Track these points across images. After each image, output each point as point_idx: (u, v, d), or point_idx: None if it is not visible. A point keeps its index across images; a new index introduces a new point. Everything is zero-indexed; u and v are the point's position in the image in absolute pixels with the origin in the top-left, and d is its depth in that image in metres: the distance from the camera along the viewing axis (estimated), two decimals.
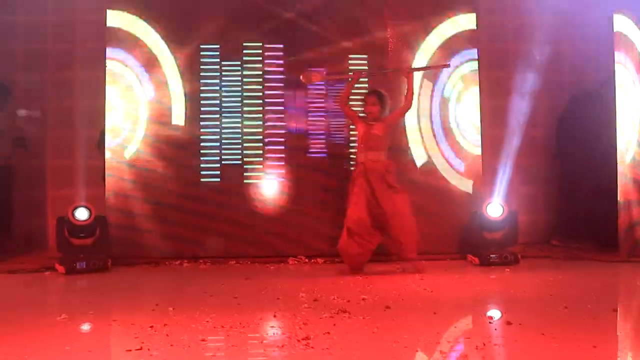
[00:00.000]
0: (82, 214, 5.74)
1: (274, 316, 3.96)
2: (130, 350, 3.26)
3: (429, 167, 6.46)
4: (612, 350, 3.31)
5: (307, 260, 6.11)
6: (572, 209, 6.83)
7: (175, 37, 6.33)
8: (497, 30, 7.16)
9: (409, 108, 5.77)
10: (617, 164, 6.10)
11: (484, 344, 3.26)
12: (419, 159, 6.46)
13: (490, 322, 3.81)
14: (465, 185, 6.48)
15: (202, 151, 6.36)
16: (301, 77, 5.93)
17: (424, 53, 6.50)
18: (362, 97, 5.83)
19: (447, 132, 6.51)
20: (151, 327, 3.71)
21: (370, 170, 5.49)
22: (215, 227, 6.30)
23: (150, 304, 4.36)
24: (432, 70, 6.38)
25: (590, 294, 4.46)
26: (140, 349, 3.29)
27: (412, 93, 5.69)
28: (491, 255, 5.82)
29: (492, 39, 7.09)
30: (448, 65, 6.22)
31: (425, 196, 6.34)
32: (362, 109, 5.77)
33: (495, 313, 4.09)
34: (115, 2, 6.30)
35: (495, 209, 6.02)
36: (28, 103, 6.94)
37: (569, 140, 6.88)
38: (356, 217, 5.41)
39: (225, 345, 3.35)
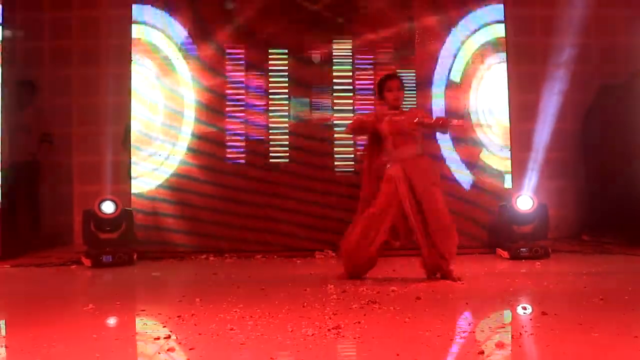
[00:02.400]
0: (108, 207, 5.74)
1: (303, 306, 3.89)
2: (159, 339, 3.23)
3: (457, 160, 6.36)
4: None
5: (333, 254, 6.04)
6: (603, 203, 6.68)
7: (199, 31, 6.32)
8: (525, 22, 7.03)
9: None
10: None
11: (520, 333, 3.17)
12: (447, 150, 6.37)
13: (524, 312, 3.71)
14: (493, 178, 6.36)
15: (228, 149, 6.36)
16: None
17: (451, 45, 6.41)
18: (379, 83, 4.96)
19: (475, 125, 6.41)
20: (179, 317, 3.67)
21: (409, 168, 4.70)
22: (242, 223, 6.27)
23: (176, 295, 4.34)
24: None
25: (626, 287, 4.32)
26: (169, 337, 3.25)
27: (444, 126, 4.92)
28: (521, 249, 5.71)
29: (520, 31, 6.97)
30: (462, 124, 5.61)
31: (453, 190, 6.27)
32: (385, 95, 4.87)
33: (529, 304, 3.99)
34: None
35: (525, 201, 5.89)
36: (54, 99, 6.96)
37: (599, 133, 6.74)
38: (382, 220, 4.68)
39: (254, 334, 3.29)
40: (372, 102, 6.27)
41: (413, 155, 4.76)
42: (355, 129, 5.16)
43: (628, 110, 6.46)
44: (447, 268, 4.68)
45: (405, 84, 5.06)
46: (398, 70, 6.30)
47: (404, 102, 4.97)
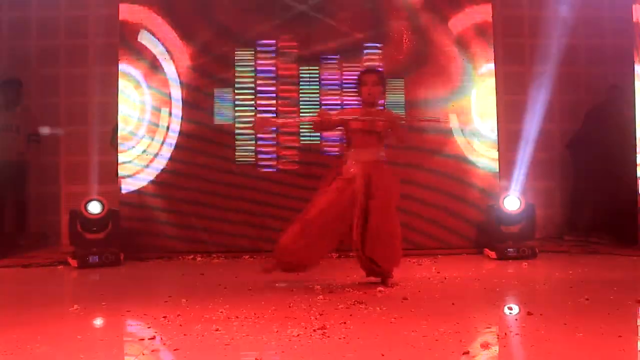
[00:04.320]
0: (94, 208, 5.72)
1: (289, 307, 3.88)
2: (143, 339, 3.21)
3: (445, 161, 6.38)
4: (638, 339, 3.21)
5: None
6: (589, 203, 6.72)
7: (187, 29, 6.30)
8: (513, 23, 7.06)
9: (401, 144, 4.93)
10: (636, 156, 6.01)
11: (505, 333, 3.18)
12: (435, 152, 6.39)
13: (510, 313, 3.72)
14: (481, 178, 6.40)
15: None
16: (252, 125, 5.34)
17: (440, 45, 6.43)
18: (357, 77, 4.74)
19: (463, 125, 6.44)
20: (164, 317, 3.66)
21: (370, 172, 4.48)
22: (230, 223, 6.26)
23: (162, 296, 4.32)
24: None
25: (612, 287, 4.35)
26: (154, 338, 3.23)
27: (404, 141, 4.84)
28: (508, 249, 5.73)
29: (507, 32, 7.00)
30: (439, 120, 5.83)
31: (441, 190, 6.30)
32: (359, 90, 4.65)
33: (515, 304, 4.00)
34: None
35: (512, 202, 5.92)
36: (42, 99, 6.91)
37: (586, 133, 6.78)
38: (324, 215, 4.45)
39: (239, 334, 3.28)
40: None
41: (376, 159, 4.55)
42: (318, 123, 4.70)
43: (616, 110, 6.51)
44: (384, 276, 4.53)
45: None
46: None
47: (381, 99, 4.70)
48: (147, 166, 6.27)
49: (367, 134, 4.53)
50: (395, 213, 4.55)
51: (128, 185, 6.23)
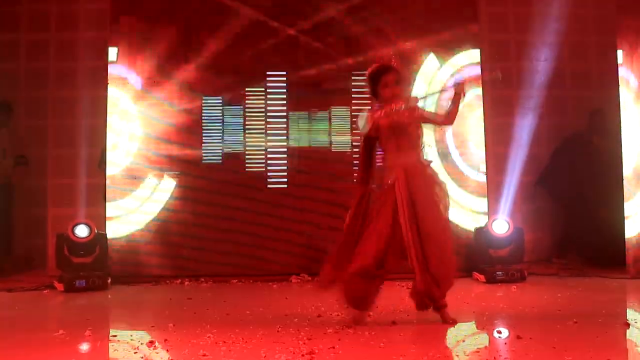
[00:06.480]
0: (82, 231, 5.68)
1: (277, 331, 3.85)
2: None
3: None
4: None
5: (310, 278, 6.01)
6: (577, 226, 6.73)
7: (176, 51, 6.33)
8: (500, 47, 7.13)
9: (446, 124, 4.59)
10: (623, 178, 6.05)
11: (495, 357, 3.16)
12: None
13: (499, 337, 3.71)
14: (469, 201, 6.41)
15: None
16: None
17: (426, 72, 6.49)
18: (371, 77, 4.07)
19: (452, 148, 6.47)
20: (151, 342, 3.62)
21: (411, 175, 3.96)
22: (217, 246, 6.23)
23: (149, 320, 4.29)
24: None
25: (600, 309, 4.36)
26: None
27: (456, 112, 4.11)
28: (497, 273, 5.73)
29: (495, 56, 7.06)
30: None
31: None
32: (380, 93, 4.04)
33: (504, 328, 3.99)
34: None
35: (500, 225, 5.93)
36: (29, 121, 6.89)
37: (573, 156, 6.82)
38: (379, 254, 3.92)
39: (227, 359, 3.25)
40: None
41: (415, 162, 4.03)
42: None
43: (601, 131, 6.59)
44: (441, 301, 3.97)
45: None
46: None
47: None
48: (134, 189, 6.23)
49: (402, 134, 4.00)
50: (447, 224, 4.12)
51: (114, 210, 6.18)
